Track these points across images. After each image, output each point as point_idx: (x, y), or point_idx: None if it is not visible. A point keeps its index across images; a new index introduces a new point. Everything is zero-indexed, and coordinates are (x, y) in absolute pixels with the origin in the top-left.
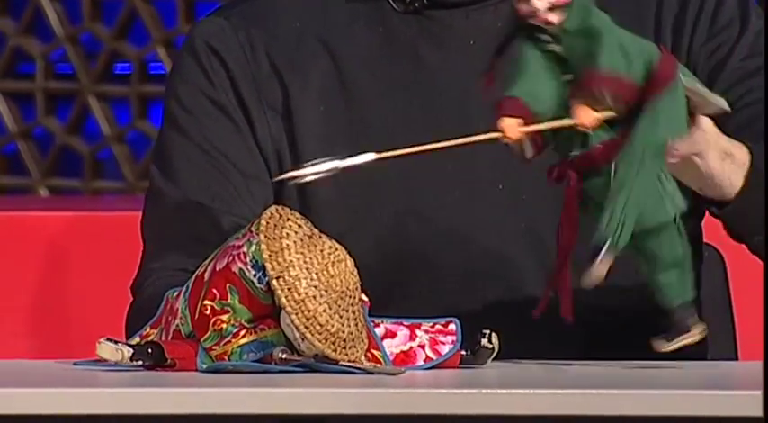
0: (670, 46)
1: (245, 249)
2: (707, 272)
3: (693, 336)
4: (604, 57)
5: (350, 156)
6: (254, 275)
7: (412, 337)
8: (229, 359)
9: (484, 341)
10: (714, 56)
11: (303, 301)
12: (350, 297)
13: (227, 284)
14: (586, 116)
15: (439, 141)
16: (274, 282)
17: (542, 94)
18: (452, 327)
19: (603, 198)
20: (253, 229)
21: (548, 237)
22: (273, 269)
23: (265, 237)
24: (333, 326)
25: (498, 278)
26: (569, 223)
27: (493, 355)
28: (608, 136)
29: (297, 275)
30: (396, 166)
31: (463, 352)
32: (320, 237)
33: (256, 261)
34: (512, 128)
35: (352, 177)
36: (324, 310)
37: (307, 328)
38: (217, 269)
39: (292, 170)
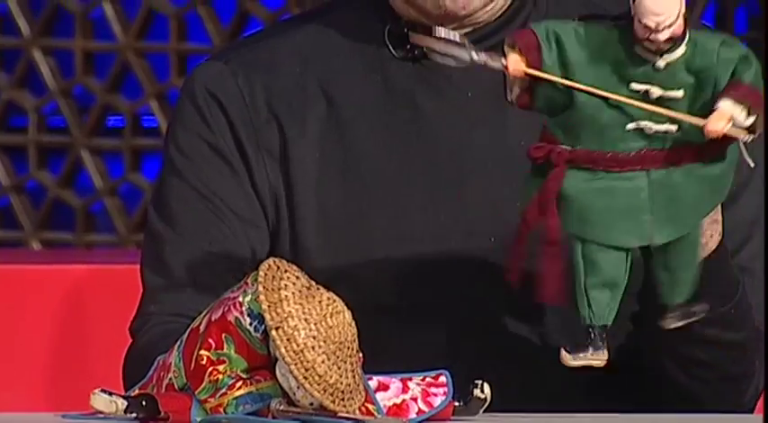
0: None
1: (240, 299)
2: None
3: (598, 360)
4: (750, 75)
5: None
6: (251, 324)
7: (404, 389)
8: (225, 412)
9: (476, 391)
10: None
11: (302, 351)
12: (348, 348)
13: (224, 334)
14: (718, 124)
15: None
16: (273, 332)
17: (575, 58)
18: (443, 379)
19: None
20: (249, 280)
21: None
22: (272, 319)
23: (264, 287)
24: (331, 377)
25: (494, 328)
26: (541, 208)
27: (485, 406)
28: (638, 146)
29: (295, 326)
30: (390, 214)
31: (456, 403)
32: (318, 288)
33: (252, 310)
34: (518, 63)
35: (346, 224)
36: (322, 361)
37: (305, 378)
38: (212, 320)
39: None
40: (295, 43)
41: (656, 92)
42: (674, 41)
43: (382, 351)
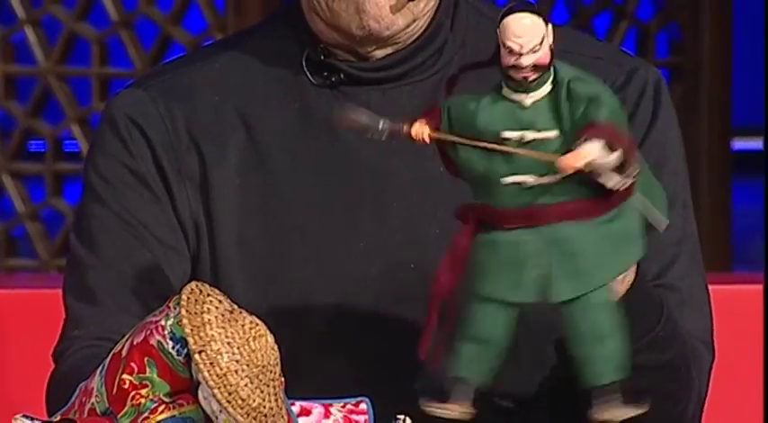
0: None
1: (162, 323)
2: None
3: (454, 412)
4: (603, 112)
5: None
6: (173, 347)
7: (326, 414)
8: None
9: None
10: None
11: (225, 375)
12: (270, 372)
13: (146, 358)
14: (573, 159)
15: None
16: (196, 356)
17: (472, 118)
18: (363, 406)
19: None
20: (171, 304)
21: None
22: (195, 343)
23: (187, 311)
24: (254, 400)
25: (410, 359)
26: (453, 271)
27: None
28: (553, 199)
29: (218, 350)
30: (311, 242)
31: None
32: (241, 312)
33: (174, 334)
34: (421, 126)
35: (266, 251)
36: (245, 385)
37: (228, 402)
38: (135, 343)
39: None
40: (214, 70)
41: (528, 135)
42: (539, 73)
43: (303, 377)
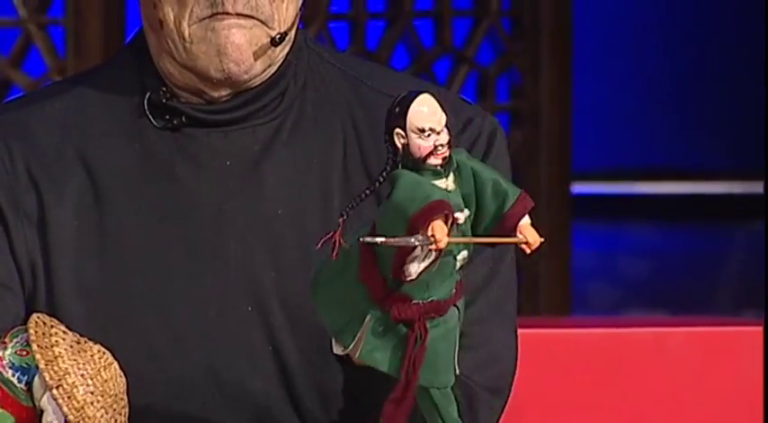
0: None
1: (0, 354)
2: None
3: None
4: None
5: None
6: (14, 375)
7: None
8: None
9: None
10: None
11: (83, 407)
12: (121, 399)
13: None
14: (531, 235)
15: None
16: (54, 391)
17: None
18: None
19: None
20: (8, 338)
21: (292, 360)
22: (51, 378)
23: (38, 346)
24: None
25: (243, 405)
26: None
27: None
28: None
29: (74, 383)
30: (148, 285)
31: None
32: (86, 342)
33: (14, 363)
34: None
35: (104, 293)
36: (101, 416)
37: None
38: None
39: None
40: (54, 110)
41: (460, 217)
42: (449, 156)
43: (139, 421)
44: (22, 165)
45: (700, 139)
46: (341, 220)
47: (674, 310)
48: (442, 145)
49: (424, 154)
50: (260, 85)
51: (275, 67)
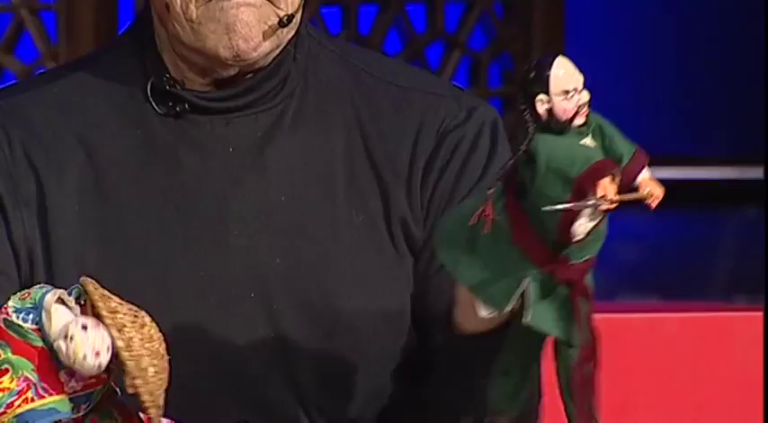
0: (419, 183)
1: (4, 306)
2: None
3: None
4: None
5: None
6: (18, 317)
7: None
8: None
9: None
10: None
11: (139, 359)
12: (164, 370)
13: None
14: (655, 188)
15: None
16: (115, 333)
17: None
18: None
19: None
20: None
21: (294, 346)
22: (112, 321)
23: (100, 295)
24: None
25: (244, 390)
26: None
27: None
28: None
29: (131, 337)
30: (150, 270)
31: None
32: (122, 304)
33: (17, 307)
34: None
35: (105, 279)
36: (153, 369)
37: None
38: None
39: None
40: (54, 95)
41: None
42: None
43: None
44: (21, 151)
45: (693, 124)
46: (489, 191)
47: (668, 295)
48: (584, 103)
49: (570, 115)
50: (265, 67)
51: (279, 51)
